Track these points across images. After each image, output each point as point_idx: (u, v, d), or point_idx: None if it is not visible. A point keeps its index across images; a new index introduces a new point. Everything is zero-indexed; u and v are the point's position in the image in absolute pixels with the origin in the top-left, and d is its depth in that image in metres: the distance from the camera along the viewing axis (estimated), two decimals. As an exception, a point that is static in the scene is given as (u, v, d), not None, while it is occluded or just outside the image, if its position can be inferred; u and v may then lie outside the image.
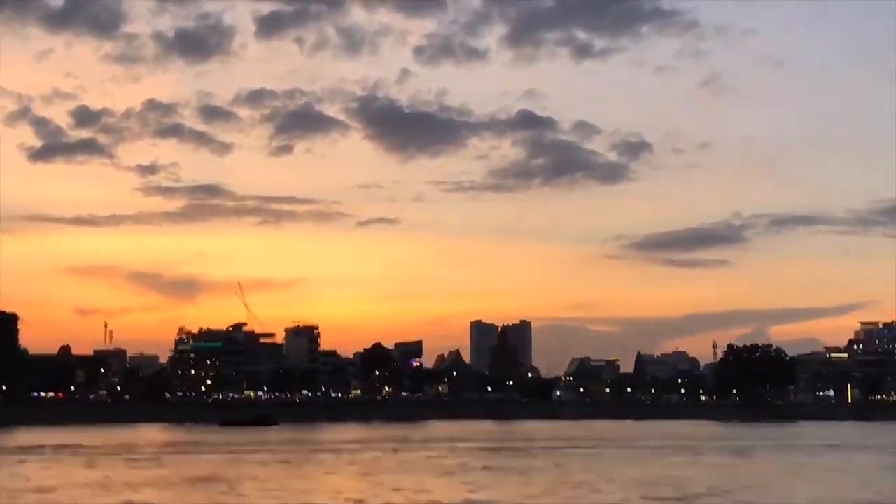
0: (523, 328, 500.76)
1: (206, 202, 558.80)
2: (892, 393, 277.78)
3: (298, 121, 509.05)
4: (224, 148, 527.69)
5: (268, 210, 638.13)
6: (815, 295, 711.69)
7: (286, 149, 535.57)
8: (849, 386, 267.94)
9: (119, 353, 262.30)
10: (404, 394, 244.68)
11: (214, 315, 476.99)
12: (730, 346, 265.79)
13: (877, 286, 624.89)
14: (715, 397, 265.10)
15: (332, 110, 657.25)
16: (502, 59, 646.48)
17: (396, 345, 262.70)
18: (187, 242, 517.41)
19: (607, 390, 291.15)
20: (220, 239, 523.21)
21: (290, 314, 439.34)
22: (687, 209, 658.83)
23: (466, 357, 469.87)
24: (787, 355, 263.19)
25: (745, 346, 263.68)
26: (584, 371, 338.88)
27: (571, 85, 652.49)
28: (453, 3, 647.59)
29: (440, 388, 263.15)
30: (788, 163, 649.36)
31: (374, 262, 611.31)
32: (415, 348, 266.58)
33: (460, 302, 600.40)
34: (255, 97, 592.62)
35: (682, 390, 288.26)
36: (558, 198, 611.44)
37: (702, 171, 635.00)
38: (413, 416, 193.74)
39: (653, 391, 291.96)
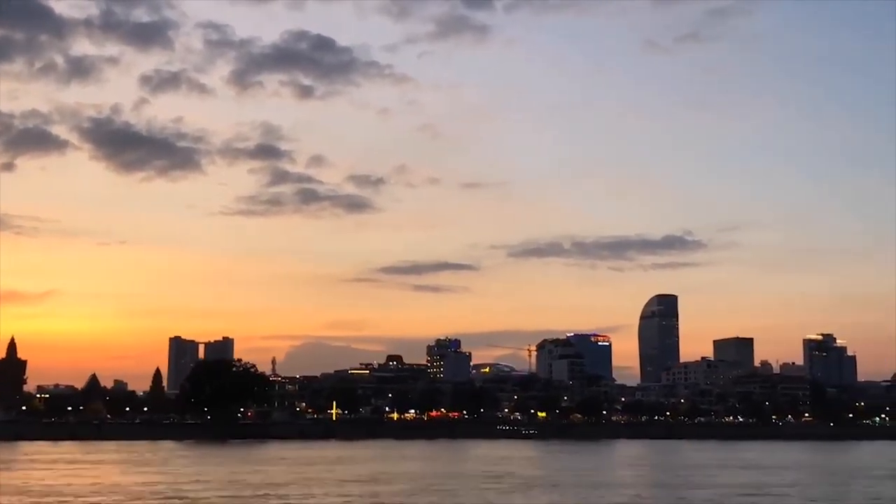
0: (225, 344, 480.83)
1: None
2: (404, 413, 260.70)
3: (30, 140, 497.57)
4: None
5: (6, 225, 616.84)
6: (564, 319, 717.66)
7: (12, 167, 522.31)
8: (334, 404, 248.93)
9: None
10: None
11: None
12: (199, 362, 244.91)
13: (613, 311, 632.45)
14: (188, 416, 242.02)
15: (64, 132, 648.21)
16: (230, 94, 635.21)
17: None
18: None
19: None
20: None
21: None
22: (428, 239, 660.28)
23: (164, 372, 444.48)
24: (258, 372, 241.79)
25: (215, 360, 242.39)
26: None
27: (303, 121, 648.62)
28: (178, 42, 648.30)
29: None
30: (517, 201, 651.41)
31: (112, 281, 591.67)
32: None
33: (192, 321, 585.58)
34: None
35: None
36: (303, 225, 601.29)
37: (438, 205, 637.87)
38: None
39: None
